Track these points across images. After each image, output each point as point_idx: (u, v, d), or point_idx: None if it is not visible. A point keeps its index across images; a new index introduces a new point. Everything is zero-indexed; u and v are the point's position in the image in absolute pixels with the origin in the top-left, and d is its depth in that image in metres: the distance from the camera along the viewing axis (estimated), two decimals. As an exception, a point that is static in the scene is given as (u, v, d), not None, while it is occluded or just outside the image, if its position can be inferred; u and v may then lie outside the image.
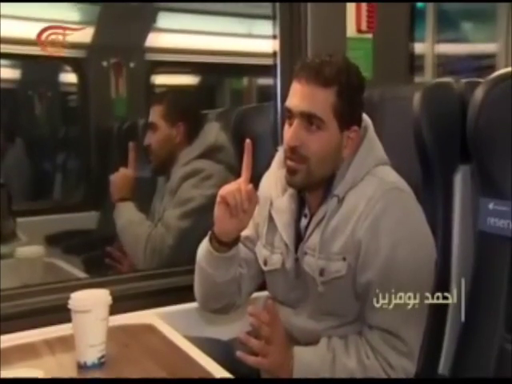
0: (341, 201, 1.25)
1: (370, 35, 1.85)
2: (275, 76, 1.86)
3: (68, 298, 1.18)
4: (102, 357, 1.18)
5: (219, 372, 1.16)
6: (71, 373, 1.16)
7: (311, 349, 1.27)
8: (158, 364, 1.21)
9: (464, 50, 3.63)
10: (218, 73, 3.60)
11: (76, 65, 2.95)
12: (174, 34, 3.18)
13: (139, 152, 2.01)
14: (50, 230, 2.69)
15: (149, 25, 3.04)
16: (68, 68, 3.04)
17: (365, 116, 1.32)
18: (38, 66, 3.01)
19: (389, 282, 1.19)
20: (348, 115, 1.24)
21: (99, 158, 3.00)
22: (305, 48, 1.77)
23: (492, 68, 3.02)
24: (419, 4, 2.86)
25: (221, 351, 1.35)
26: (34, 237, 2.36)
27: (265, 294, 1.45)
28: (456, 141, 1.36)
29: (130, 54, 2.99)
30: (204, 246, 1.35)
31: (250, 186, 1.26)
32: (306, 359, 1.25)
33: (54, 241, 2.66)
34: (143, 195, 2.09)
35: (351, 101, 1.24)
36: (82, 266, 2.38)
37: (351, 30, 1.82)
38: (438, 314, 1.33)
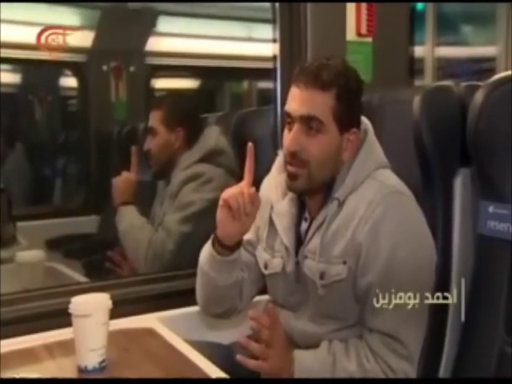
0: (341, 204, 1.25)
1: (369, 39, 1.85)
2: (275, 79, 1.86)
3: (68, 302, 1.18)
4: (103, 361, 1.18)
5: (219, 376, 1.16)
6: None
7: (311, 352, 1.27)
8: (159, 368, 1.21)
9: (464, 53, 3.63)
10: (217, 77, 3.60)
11: (76, 69, 2.96)
12: (174, 37, 3.19)
13: (140, 156, 2.01)
14: (50, 234, 2.69)
15: (149, 29, 3.04)
16: (68, 72, 3.05)
17: (365, 119, 1.33)
18: (38, 71, 3.02)
19: (389, 284, 1.19)
20: (347, 118, 1.25)
21: (99, 161, 3.00)
22: (305, 52, 1.77)
23: (492, 71, 3.01)
24: (419, 7, 2.87)
25: (222, 355, 1.35)
26: (34, 241, 2.37)
27: (266, 297, 1.45)
28: (456, 144, 1.36)
29: (130, 58, 2.99)
30: (207, 250, 1.35)
31: (253, 189, 1.26)
32: (307, 363, 1.25)
33: (55, 245, 2.66)
34: (143, 199, 2.08)
35: (350, 103, 1.24)
36: (82, 270, 2.39)
37: (351, 34, 1.82)
38: (438, 316, 1.33)
